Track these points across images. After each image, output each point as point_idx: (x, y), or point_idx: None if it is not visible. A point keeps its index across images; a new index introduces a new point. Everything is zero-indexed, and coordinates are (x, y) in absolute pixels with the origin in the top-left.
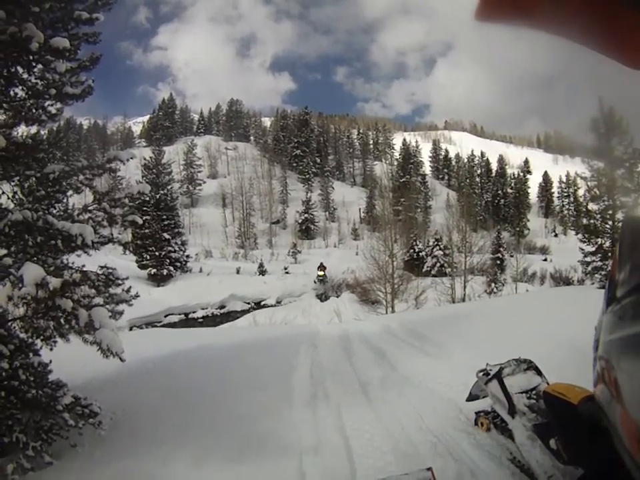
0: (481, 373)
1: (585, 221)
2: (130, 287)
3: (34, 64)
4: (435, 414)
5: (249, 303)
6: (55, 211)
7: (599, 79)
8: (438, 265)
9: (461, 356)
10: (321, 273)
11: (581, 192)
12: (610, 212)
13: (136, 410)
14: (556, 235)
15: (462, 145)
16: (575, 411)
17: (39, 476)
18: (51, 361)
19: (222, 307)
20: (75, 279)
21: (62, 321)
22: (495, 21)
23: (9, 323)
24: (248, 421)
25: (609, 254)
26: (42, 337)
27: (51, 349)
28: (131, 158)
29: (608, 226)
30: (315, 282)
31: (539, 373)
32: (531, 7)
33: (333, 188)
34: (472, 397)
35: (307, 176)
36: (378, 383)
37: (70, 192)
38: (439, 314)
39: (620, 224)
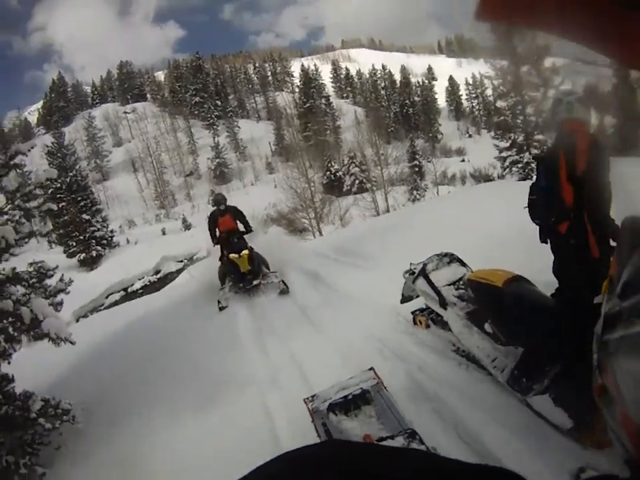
0: (407, 273)
1: (495, 118)
2: (62, 275)
3: None
4: (375, 321)
5: (181, 261)
6: None
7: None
8: (357, 182)
9: (392, 264)
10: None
11: (488, 92)
12: (519, 107)
13: (102, 394)
14: (470, 136)
15: (362, 62)
16: (501, 293)
17: None
18: (13, 376)
19: (157, 271)
20: (8, 275)
21: (10, 329)
22: (495, 20)
23: None
24: (206, 371)
25: (524, 147)
26: None
27: (9, 363)
28: (32, 148)
29: (519, 120)
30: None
31: (463, 264)
32: (531, 6)
33: (239, 127)
34: (405, 299)
35: (211, 121)
36: (317, 305)
37: None
38: (365, 229)
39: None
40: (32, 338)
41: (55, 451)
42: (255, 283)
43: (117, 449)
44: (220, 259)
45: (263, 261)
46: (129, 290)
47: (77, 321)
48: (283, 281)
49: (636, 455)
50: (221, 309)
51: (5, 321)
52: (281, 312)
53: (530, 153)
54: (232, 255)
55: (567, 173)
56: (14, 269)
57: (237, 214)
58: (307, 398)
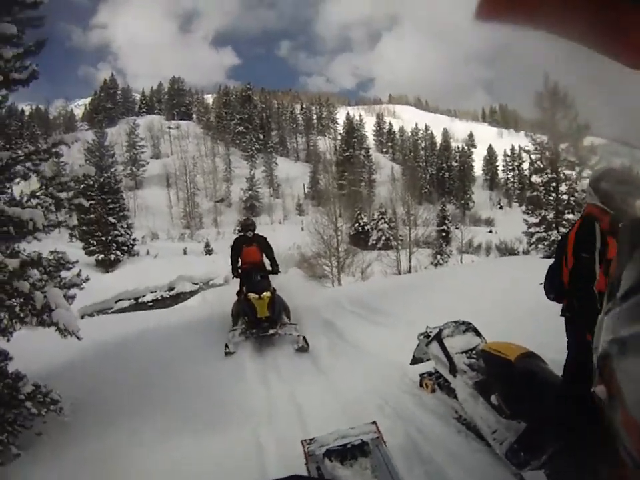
0: (422, 336)
1: (528, 193)
2: (80, 271)
3: None
4: (381, 377)
5: (197, 284)
6: (4, 199)
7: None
8: (383, 238)
9: (407, 324)
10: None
11: (525, 165)
12: (553, 184)
13: (95, 394)
14: (501, 207)
15: (406, 119)
16: (512, 367)
17: (8, 469)
18: (8, 353)
19: (171, 288)
20: (33, 258)
21: (17, 309)
22: (495, 20)
23: None
24: (208, 394)
25: (553, 225)
26: None
27: (8, 340)
28: (76, 141)
29: (551, 198)
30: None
31: (478, 334)
32: (531, 6)
33: (277, 164)
34: (415, 360)
35: (251, 152)
36: (327, 352)
37: (18, 179)
38: (385, 285)
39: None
40: (39, 323)
41: (36, 437)
42: (270, 332)
43: (100, 449)
44: (237, 294)
45: (285, 307)
46: (140, 300)
47: (82, 317)
48: (304, 337)
49: (636, 454)
50: (227, 354)
51: (14, 300)
52: (289, 355)
53: (558, 232)
54: (251, 295)
55: (566, 257)
56: (40, 253)
57: (265, 246)
58: (305, 440)
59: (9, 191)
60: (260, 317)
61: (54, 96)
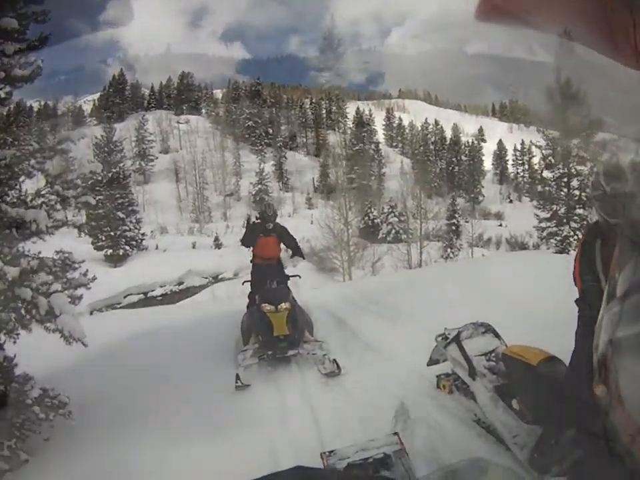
0: (440, 337)
1: (539, 188)
2: (87, 270)
3: None
4: (396, 378)
5: (206, 278)
6: (8, 199)
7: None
8: (393, 231)
9: (420, 321)
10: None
11: (535, 160)
12: (565, 180)
13: (103, 396)
14: (511, 201)
15: (416, 114)
16: (535, 372)
17: (17, 476)
18: (15, 355)
19: (180, 283)
20: (33, 266)
21: (22, 311)
22: (495, 20)
23: None
24: (215, 401)
25: (564, 220)
26: (4, 331)
27: (15, 342)
28: (82, 138)
29: (563, 193)
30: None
31: (497, 335)
32: (531, 6)
33: (286, 158)
34: (433, 361)
35: (260, 147)
36: (339, 352)
37: (22, 177)
38: (397, 280)
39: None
40: (45, 329)
41: (44, 442)
42: (290, 353)
43: (103, 459)
44: (248, 297)
45: (307, 322)
46: (149, 295)
47: (91, 313)
48: (334, 360)
49: (636, 455)
50: (239, 387)
51: (20, 304)
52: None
53: (570, 227)
54: (266, 307)
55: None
56: (41, 259)
57: (287, 237)
58: (325, 452)
59: (17, 188)
60: (277, 334)
61: (63, 92)
